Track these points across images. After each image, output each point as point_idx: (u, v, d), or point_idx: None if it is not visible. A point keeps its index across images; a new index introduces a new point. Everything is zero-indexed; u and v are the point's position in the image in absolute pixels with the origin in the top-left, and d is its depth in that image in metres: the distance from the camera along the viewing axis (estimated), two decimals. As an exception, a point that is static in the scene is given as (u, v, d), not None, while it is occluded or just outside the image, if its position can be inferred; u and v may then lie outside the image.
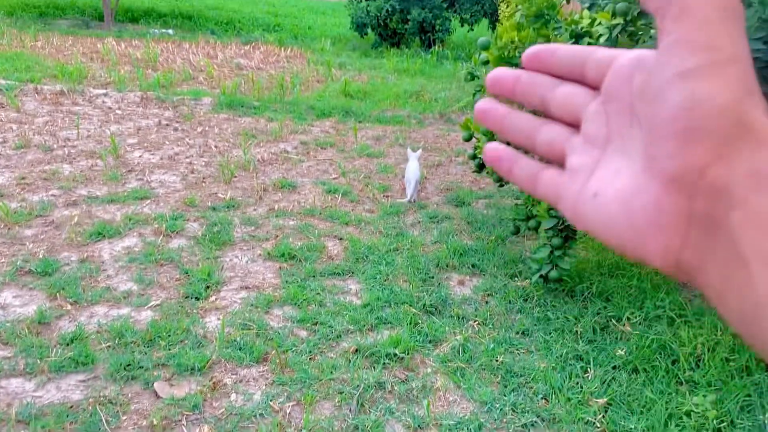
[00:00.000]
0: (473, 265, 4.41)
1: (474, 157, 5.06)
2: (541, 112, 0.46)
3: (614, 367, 3.30)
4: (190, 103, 8.75)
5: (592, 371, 3.25)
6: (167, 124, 7.74)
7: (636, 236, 0.36)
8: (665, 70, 0.34)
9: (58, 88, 8.68)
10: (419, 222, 5.24)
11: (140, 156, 6.43)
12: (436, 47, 14.66)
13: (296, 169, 6.43)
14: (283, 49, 14.38)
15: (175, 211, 5.08)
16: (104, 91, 8.96)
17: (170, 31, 16.29)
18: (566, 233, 3.85)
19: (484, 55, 3.98)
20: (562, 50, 0.43)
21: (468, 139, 4.61)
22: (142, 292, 3.83)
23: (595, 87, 0.42)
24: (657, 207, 0.35)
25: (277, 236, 4.73)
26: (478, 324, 3.69)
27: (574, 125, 0.43)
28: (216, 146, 6.97)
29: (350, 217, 5.20)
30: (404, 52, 14.53)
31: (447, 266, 4.40)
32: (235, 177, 6.02)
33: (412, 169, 5.65)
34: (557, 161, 0.44)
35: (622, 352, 3.38)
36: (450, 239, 4.84)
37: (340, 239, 4.77)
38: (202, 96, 9.04)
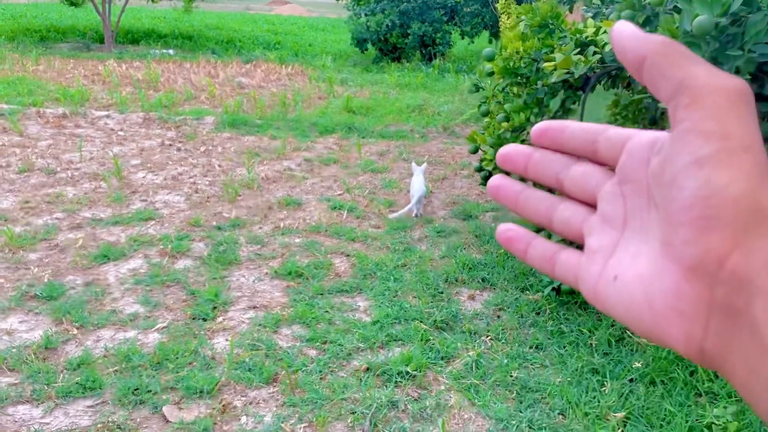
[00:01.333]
0: (483, 279, 4.35)
1: (480, 169, 5.02)
2: (554, 189, 0.46)
3: (631, 380, 3.24)
4: (192, 122, 8.75)
5: (609, 384, 3.18)
6: (170, 144, 7.73)
7: (657, 322, 0.36)
8: (680, 157, 0.34)
9: (60, 111, 8.69)
10: (426, 237, 5.19)
11: (144, 177, 6.41)
12: (437, 60, 14.69)
13: (301, 186, 6.40)
14: (284, 66, 14.43)
15: (180, 231, 5.05)
16: (106, 112, 8.97)
17: (171, 52, 16.37)
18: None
19: (488, 66, 3.95)
20: (572, 127, 0.43)
21: (474, 152, 4.57)
22: (149, 315, 3.78)
23: (606, 164, 0.42)
24: (677, 294, 0.34)
25: (283, 254, 4.69)
26: (491, 339, 3.63)
27: (590, 204, 0.43)
28: (220, 165, 6.95)
29: (356, 233, 5.16)
30: (405, 67, 14.57)
31: (456, 281, 4.35)
32: (240, 196, 5.98)
33: (417, 183, 5.61)
34: (574, 240, 0.44)
35: (639, 364, 3.32)
36: (458, 253, 4.78)
37: (347, 256, 4.72)
38: (205, 115, 9.04)
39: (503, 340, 3.63)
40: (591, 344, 3.56)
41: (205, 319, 3.75)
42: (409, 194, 6.00)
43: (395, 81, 12.46)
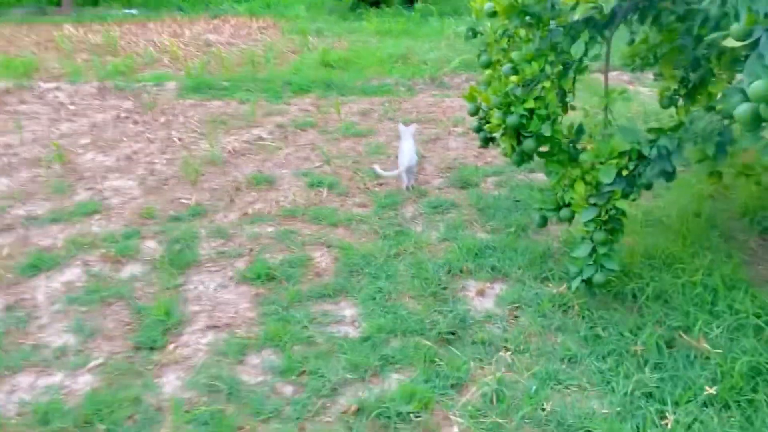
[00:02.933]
0: (493, 268, 3.60)
1: (479, 129, 4.23)
2: None
3: (697, 403, 2.52)
4: (152, 90, 7.82)
5: (671, 414, 2.46)
6: (126, 117, 6.85)
7: None
8: None
9: (2, 86, 7.75)
10: (421, 214, 4.42)
11: (92, 159, 5.56)
12: (420, 3, 13.62)
13: (273, 158, 5.58)
14: (255, 20, 13.36)
15: (129, 226, 4.25)
16: (56, 84, 8.02)
17: (134, 11, 15.20)
18: (612, 224, 3.04)
19: (489, 4, 3.11)
20: None
21: (474, 113, 3.77)
22: (82, 347, 3.02)
23: None
24: None
25: (251, 250, 3.91)
26: (511, 353, 2.90)
27: None
28: (180, 139, 6.09)
29: (339, 215, 4.37)
30: (385, 12, 13.51)
31: (461, 271, 3.59)
32: (203, 175, 5.16)
33: (407, 150, 4.80)
34: None
35: (703, 380, 2.60)
36: (460, 234, 4.02)
37: (329, 247, 3.95)
38: (166, 81, 8.11)
39: (526, 353, 2.90)
40: (636, 352, 2.83)
41: (152, 348, 3.00)
42: (398, 162, 5.20)
43: (375, 28, 11.46)
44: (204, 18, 13.86)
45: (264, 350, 2.95)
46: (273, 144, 5.94)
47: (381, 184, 4.98)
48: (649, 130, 2.98)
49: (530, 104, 3.03)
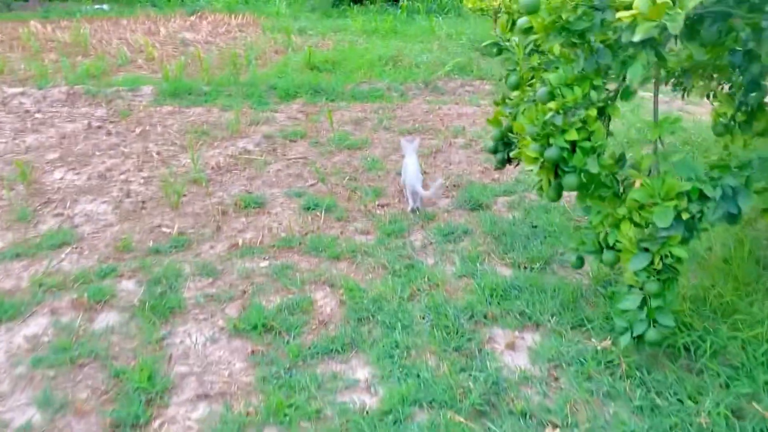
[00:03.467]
0: (521, 314, 3.18)
1: (495, 150, 3.82)
2: None
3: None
4: (126, 95, 7.30)
5: None
6: (99, 127, 6.32)
7: None
8: None
9: (-38, 92, 7.16)
10: (431, 243, 3.98)
11: (61, 178, 5.04)
12: (404, 1, 13.17)
13: (262, 175, 5.10)
14: (233, 17, 12.82)
15: (104, 262, 3.76)
16: (21, 89, 7.45)
17: (105, 7, 14.54)
18: (667, 274, 2.63)
19: (524, 19, 2.68)
20: None
21: (499, 139, 3.35)
22: (49, 426, 2.54)
23: None
24: None
25: (244, 292, 3.45)
26: (559, 430, 2.48)
27: None
28: (158, 153, 5.59)
29: (340, 245, 3.92)
30: (369, 9, 13.06)
31: (485, 317, 3.17)
32: (185, 196, 4.68)
33: (411, 169, 4.38)
34: None
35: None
36: (479, 270, 3.60)
37: (332, 286, 3.50)
38: (142, 84, 7.58)
39: (575, 428, 2.48)
40: (702, 425, 2.43)
41: (134, 426, 2.53)
42: (399, 179, 4.77)
43: (360, 27, 11.00)
44: (180, 14, 13.29)
45: (266, 428, 2.50)
46: (261, 158, 5.47)
47: (382, 206, 4.54)
48: (713, 167, 2.58)
49: (572, 135, 2.61)
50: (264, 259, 3.81)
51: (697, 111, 6.29)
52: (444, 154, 5.61)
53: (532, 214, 4.34)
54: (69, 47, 9.75)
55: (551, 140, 2.67)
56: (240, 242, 3.98)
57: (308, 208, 4.45)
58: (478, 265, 3.67)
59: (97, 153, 5.59)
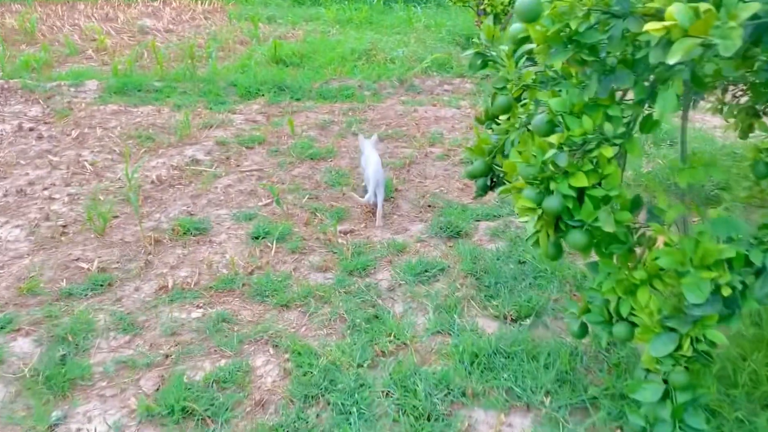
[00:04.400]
0: (509, 391, 2.57)
1: (474, 176, 3.18)
2: None
3: None
4: (68, 91, 6.55)
5: None
6: (30, 129, 5.58)
7: None
8: None
9: None
10: (400, 284, 3.35)
11: (-28, 194, 4.33)
12: (382, -12, 12.44)
13: (209, 191, 4.43)
14: (199, 2, 11.99)
15: (1, 310, 3.08)
16: (-51, 83, 6.66)
17: (63, -11, 13.58)
18: (699, 362, 2.02)
19: (518, 26, 2.04)
20: None
21: (482, 174, 2.71)
22: None
23: None
24: None
25: (167, 356, 2.79)
26: None
27: None
28: (93, 162, 4.88)
29: (291, 288, 3.28)
30: (345, -3, 12.30)
31: (464, 395, 2.55)
32: (115, 219, 4.00)
33: (374, 162, 4.10)
34: None
35: None
36: (456, 323, 2.97)
37: (276, 347, 2.85)
38: (87, 79, 6.82)
39: None
40: None
41: None
42: (363, 175, 4.25)
43: (334, 16, 10.27)
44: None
45: None
46: (210, 170, 4.79)
47: (345, 233, 3.90)
48: (762, 227, 1.97)
49: (580, 181, 1.98)
50: (197, 306, 3.15)
51: (696, 118, 5.71)
52: (419, 166, 4.97)
53: (519, 245, 3.72)
54: (13, 34, 8.92)
55: (552, 185, 2.03)
56: (171, 283, 3.31)
57: (258, 237, 3.79)
58: (455, 316, 3.04)
59: (22, 162, 4.87)
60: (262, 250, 3.66)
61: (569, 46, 1.94)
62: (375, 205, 4.06)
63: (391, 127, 5.79)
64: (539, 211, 2.08)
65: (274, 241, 3.73)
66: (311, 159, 5.04)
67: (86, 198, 4.23)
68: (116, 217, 4.05)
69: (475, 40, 2.44)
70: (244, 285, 3.31)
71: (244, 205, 4.26)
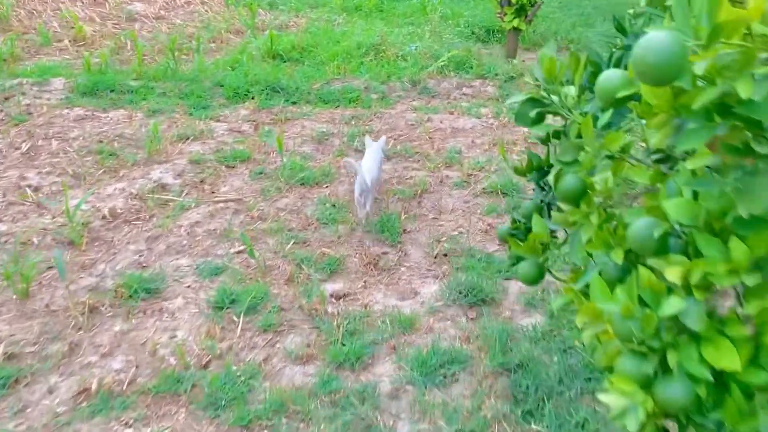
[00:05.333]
0: None
1: (525, 280, 2.28)
2: None
3: None
4: (31, 91, 5.68)
5: None
6: (-25, 140, 4.73)
7: None
8: None
9: None
10: (406, 389, 2.48)
11: None
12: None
13: (171, 231, 3.57)
14: (196, -15, 11.04)
15: None
16: None
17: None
18: None
19: (614, 74, 1.14)
20: None
21: (527, 281, 1.82)
22: None
23: None
24: None
25: None
26: None
27: None
28: (37, 188, 4.03)
29: (257, 395, 2.42)
30: (354, -19, 11.30)
31: None
32: (47, 272, 3.15)
33: (371, 163, 3.66)
34: None
35: None
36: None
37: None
38: (52, 76, 5.95)
39: None
40: None
41: None
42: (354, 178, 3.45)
43: (341, 3, 9.29)
44: (135, -19, 11.48)
45: None
46: (178, 199, 3.92)
47: (338, 297, 3.03)
48: None
49: (726, 356, 1.09)
50: (125, 424, 2.29)
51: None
52: (432, 195, 4.08)
53: (561, 320, 2.84)
54: (-15, 20, 8.05)
55: (672, 358, 1.15)
56: (95, 385, 2.45)
57: (221, 307, 2.92)
58: (480, 449, 2.17)
59: (-49, 186, 4.03)
60: (225, 327, 2.80)
61: (722, 119, 1.03)
62: (359, 207, 3.56)
63: (400, 141, 4.89)
64: (648, 402, 1.18)
65: (242, 314, 2.86)
66: (302, 185, 4.15)
67: (13, 243, 3.37)
68: (51, 268, 3.20)
69: (527, 78, 1.53)
70: (194, 387, 2.46)
71: (211, 251, 3.39)
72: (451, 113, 5.55)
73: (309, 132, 5.02)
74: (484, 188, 4.14)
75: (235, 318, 2.84)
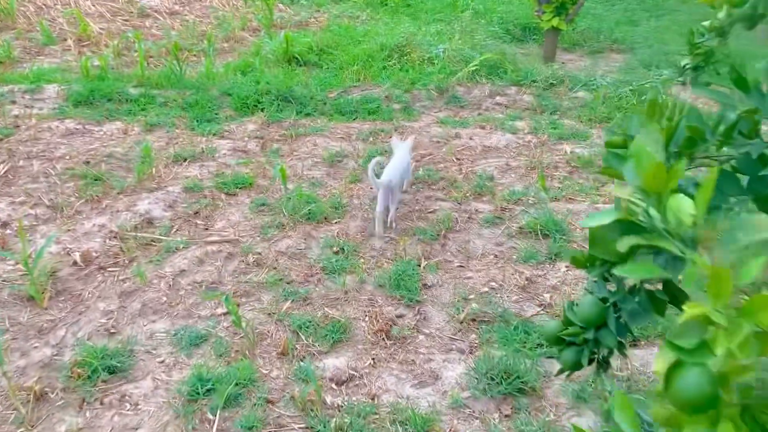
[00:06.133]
0: None
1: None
2: None
3: None
4: (22, 99, 5.20)
5: None
6: (-49, 159, 4.26)
7: None
8: None
9: None
10: None
11: None
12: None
13: (151, 284, 3.03)
14: (214, -23, 10.50)
15: None
16: None
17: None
18: None
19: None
20: None
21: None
22: None
23: None
24: None
25: None
26: None
27: None
28: (6, 222, 3.53)
29: None
30: (381, -29, 10.66)
31: None
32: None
33: (397, 163, 3.43)
34: None
35: None
36: None
37: None
38: (47, 83, 5.45)
39: None
40: None
41: None
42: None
43: (366, -2, 8.68)
44: (152, -27, 10.98)
45: None
46: (166, 238, 3.39)
47: (339, 382, 2.46)
48: None
49: None
50: None
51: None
52: (459, 235, 3.48)
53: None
54: (-12, 17, 7.62)
55: None
56: None
57: (195, 398, 2.37)
58: None
59: None
60: (197, 428, 2.24)
61: None
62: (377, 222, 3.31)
63: (423, 162, 4.29)
64: None
65: (219, 409, 2.30)
66: (308, 220, 3.59)
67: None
68: (6, 331, 2.69)
69: (615, 191, 0.93)
70: None
71: (194, 312, 2.85)
72: (483, 127, 4.93)
73: (321, 151, 4.45)
74: (520, 227, 3.53)
75: (210, 415, 2.29)
